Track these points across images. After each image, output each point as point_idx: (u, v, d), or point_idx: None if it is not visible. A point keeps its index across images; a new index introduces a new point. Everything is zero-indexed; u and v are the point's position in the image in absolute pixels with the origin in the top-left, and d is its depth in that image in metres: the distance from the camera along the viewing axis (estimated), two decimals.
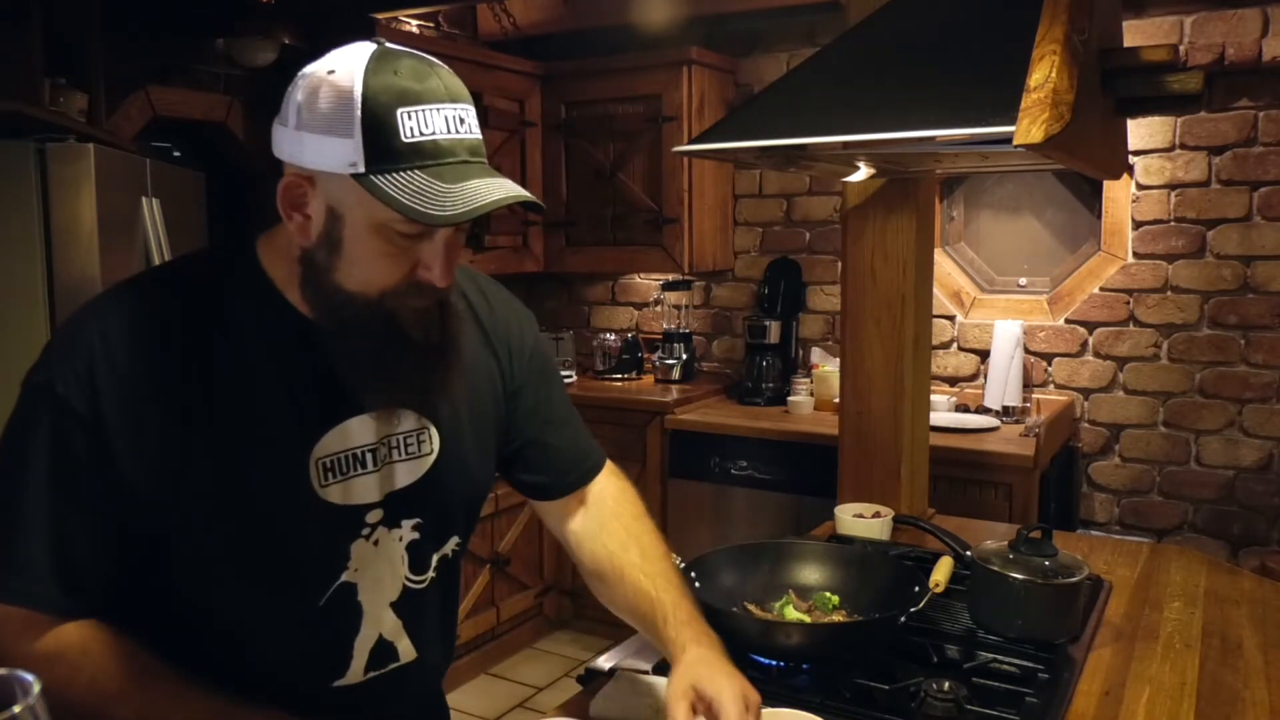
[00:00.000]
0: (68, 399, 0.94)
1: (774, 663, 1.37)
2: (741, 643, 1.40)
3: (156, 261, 2.19)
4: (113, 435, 0.94)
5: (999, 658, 1.40)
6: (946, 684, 1.27)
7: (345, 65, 0.93)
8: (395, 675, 1.14)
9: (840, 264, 2.41)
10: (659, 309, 4.19)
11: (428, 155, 0.93)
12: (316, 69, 0.95)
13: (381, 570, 1.10)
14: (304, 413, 1.03)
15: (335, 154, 0.92)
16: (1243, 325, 3.14)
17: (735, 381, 3.95)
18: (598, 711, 1.26)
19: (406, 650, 1.14)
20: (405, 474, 1.10)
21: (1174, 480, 3.27)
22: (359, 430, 1.06)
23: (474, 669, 3.51)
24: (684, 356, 3.98)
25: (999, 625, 1.48)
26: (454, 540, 1.18)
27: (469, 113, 0.97)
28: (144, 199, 2.19)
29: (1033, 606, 1.45)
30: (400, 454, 1.10)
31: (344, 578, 1.07)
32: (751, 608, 1.51)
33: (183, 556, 1.00)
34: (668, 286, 4.04)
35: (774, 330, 3.72)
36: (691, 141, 1.56)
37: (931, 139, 1.36)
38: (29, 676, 0.56)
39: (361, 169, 0.91)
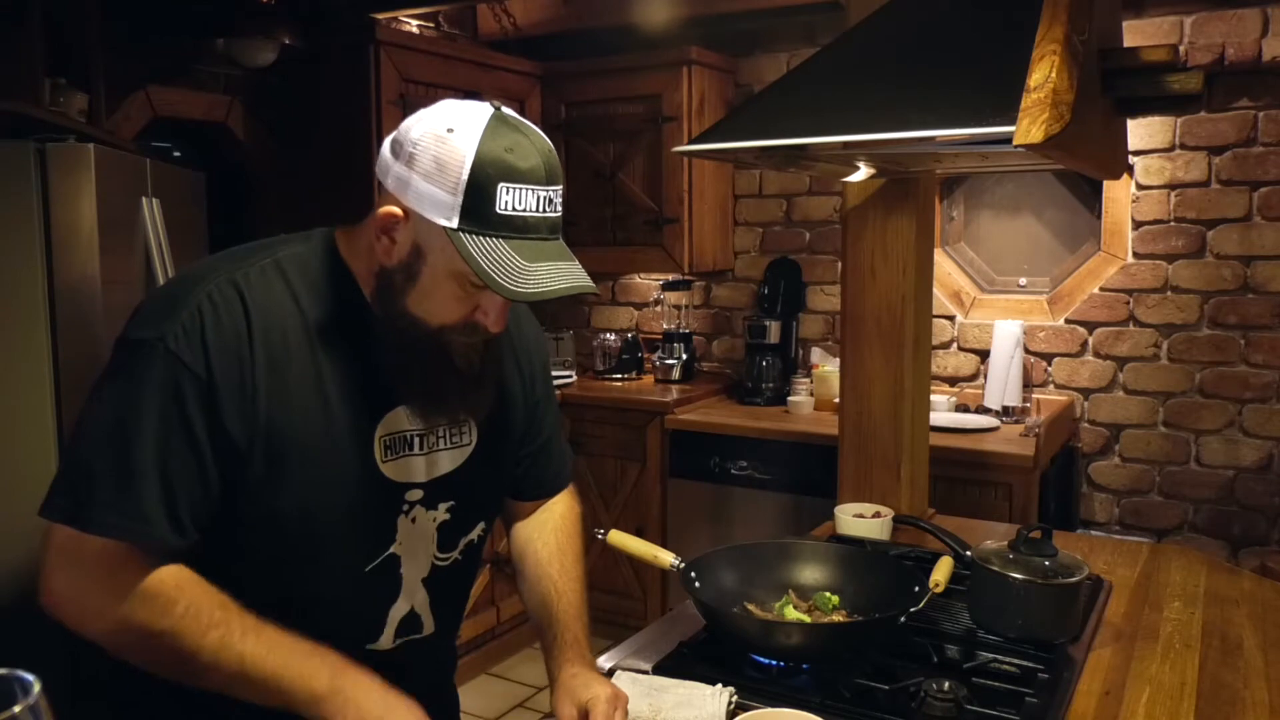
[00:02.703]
0: (179, 353, 1.04)
1: (774, 663, 1.37)
2: (741, 643, 1.40)
3: (157, 262, 2.19)
4: (218, 388, 1.04)
5: (999, 658, 1.40)
6: (946, 684, 1.27)
7: (464, 128, 1.04)
8: (416, 645, 1.24)
9: (840, 264, 2.41)
10: (659, 309, 4.19)
11: (515, 228, 1.04)
12: (436, 121, 1.05)
13: (418, 546, 1.21)
14: (372, 392, 1.14)
15: (435, 203, 1.03)
16: (1243, 325, 3.14)
17: (735, 381, 3.95)
18: None
19: (429, 623, 1.26)
20: (447, 461, 1.22)
21: (1174, 480, 3.27)
22: (410, 415, 1.17)
23: (474, 669, 3.50)
24: (684, 356, 3.98)
25: (999, 625, 1.48)
26: (480, 527, 1.30)
27: (558, 193, 1.08)
28: (144, 199, 2.18)
29: (1033, 606, 1.45)
30: (445, 443, 1.22)
31: (392, 549, 1.18)
32: (752, 608, 1.51)
33: (257, 511, 1.09)
34: (668, 286, 4.04)
35: (774, 330, 3.72)
36: (691, 141, 1.56)
37: (931, 139, 1.36)
38: (29, 676, 0.56)
39: (454, 225, 1.03)
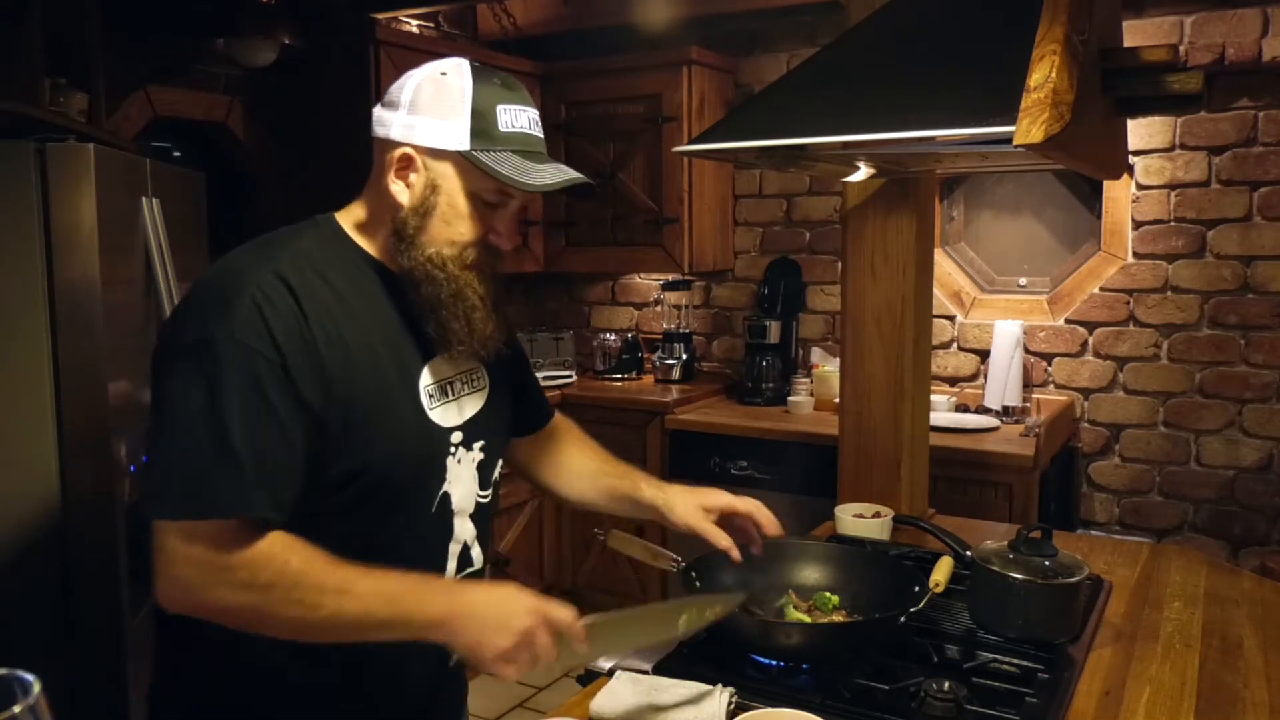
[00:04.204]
0: (248, 341, 1.10)
1: (774, 663, 1.37)
2: (742, 643, 1.40)
3: (157, 262, 2.19)
4: (290, 367, 1.11)
5: (999, 658, 1.41)
6: (946, 684, 1.27)
7: (455, 69, 1.20)
8: (469, 580, 1.32)
9: (840, 264, 2.41)
10: (659, 309, 4.19)
11: (518, 143, 1.20)
12: (426, 72, 1.20)
13: (465, 485, 1.30)
14: (408, 348, 1.24)
15: (447, 133, 1.18)
16: (1243, 325, 3.14)
17: (735, 381, 3.95)
18: (598, 711, 1.26)
19: (478, 557, 1.35)
20: (471, 404, 1.32)
21: (1174, 480, 3.27)
22: (441, 365, 1.27)
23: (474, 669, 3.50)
24: (684, 356, 3.98)
25: (999, 625, 1.48)
26: (499, 464, 1.40)
27: (540, 122, 1.26)
28: (144, 199, 2.18)
29: (1033, 606, 1.45)
30: (467, 388, 1.32)
31: (445, 488, 1.27)
32: (751, 608, 1.51)
33: (339, 471, 1.16)
34: (668, 286, 4.04)
35: (774, 330, 3.72)
36: (691, 141, 1.56)
37: (931, 139, 1.36)
38: (29, 676, 0.56)
39: (468, 147, 1.18)
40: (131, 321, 2.09)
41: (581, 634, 1.15)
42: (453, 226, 1.21)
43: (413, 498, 1.24)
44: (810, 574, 1.58)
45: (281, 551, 1.09)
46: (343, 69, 3.30)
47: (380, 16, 3.41)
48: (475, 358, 1.28)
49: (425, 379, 1.25)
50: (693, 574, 1.49)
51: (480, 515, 1.34)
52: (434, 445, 1.25)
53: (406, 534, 1.24)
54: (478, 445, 1.32)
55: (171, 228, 2.25)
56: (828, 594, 1.53)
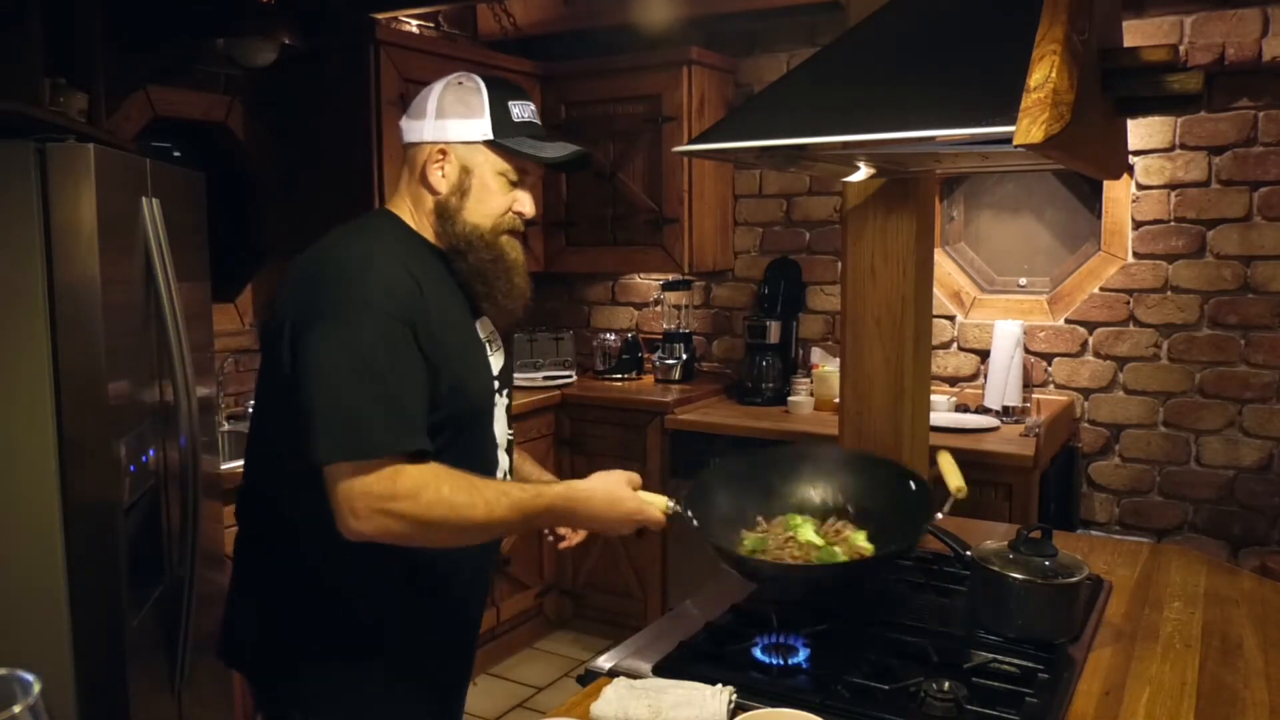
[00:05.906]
0: (384, 307, 1.34)
1: (775, 661, 1.38)
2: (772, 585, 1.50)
3: (157, 262, 2.18)
4: (417, 331, 1.37)
5: (999, 658, 1.41)
6: (946, 684, 1.27)
7: (466, 78, 1.50)
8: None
9: (840, 264, 2.41)
10: (659, 309, 4.19)
11: (530, 129, 1.50)
12: (444, 84, 1.50)
13: (500, 424, 1.59)
14: (467, 312, 1.51)
15: (473, 127, 1.47)
16: (1243, 325, 3.14)
17: (735, 381, 3.95)
18: (598, 712, 1.26)
19: None
20: (497, 360, 1.58)
21: (1174, 480, 3.27)
22: (484, 324, 1.55)
23: (474, 669, 3.50)
24: (684, 356, 3.98)
25: (999, 625, 1.48)
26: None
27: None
28: (144, 199, 2.18)
29: (1033, 606, 1.45)
30: (495, 346, 1.58)
31: (495, 425, 1.56)
32: (748, 533, 1.58)
33: (445, 409, 1.41)
34: (668, 286, 4.04)
35: (774, 330, 3.72)
36: (691, 141, 1.56)
37: (931, 139, 1.36)
38: (29, 676, 0.56)
39: (491, 136, 1.47)
40: (131, 321, 2.09)
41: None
42: (485, 203, 1.48)
43: (483, 431, 1.53)
44: (814, 490, 1.67)
45: (432, 479, 1.32)
46: (343, 69, 3.30)
47: (380, 16, 3.41)
48: (506, 317, 1.55)
49: (481, 334, 1.53)
50: (689, 512, 1.48)
51: (509, 450, 1.63)
52: (491, 387, 1.54)
53: (482, 461, 1.51)
54: (504, 392, 1.59)
55: (171, 228, 2.25)
56: (845, 520, 1.61)
